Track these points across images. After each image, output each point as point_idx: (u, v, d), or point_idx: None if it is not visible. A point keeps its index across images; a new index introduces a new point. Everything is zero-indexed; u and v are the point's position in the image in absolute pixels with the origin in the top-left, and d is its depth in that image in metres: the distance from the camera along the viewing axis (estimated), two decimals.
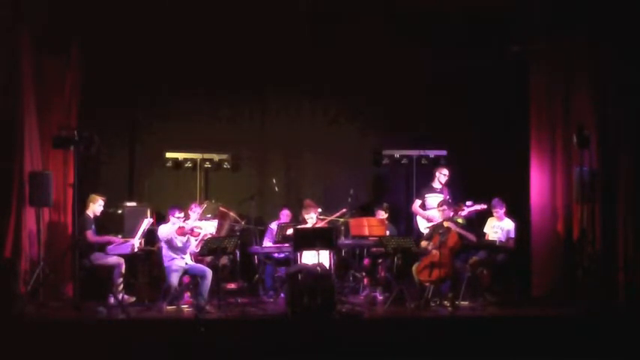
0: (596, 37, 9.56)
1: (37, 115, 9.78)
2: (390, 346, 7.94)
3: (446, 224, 9.58)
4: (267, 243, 10.52)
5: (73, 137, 9.15)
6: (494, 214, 9.94)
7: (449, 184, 10.59)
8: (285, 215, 10.71)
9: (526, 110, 10.34)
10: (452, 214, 9.66)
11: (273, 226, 10.64)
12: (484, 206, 9.91)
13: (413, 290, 9.48)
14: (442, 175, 10.53)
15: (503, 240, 9.79)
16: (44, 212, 9.58)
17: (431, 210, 10.36)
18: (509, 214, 9.97)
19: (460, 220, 9.79)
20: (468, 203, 9.96)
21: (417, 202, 10.61)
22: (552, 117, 10.05)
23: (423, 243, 9.77)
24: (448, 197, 10.21)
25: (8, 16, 9.38)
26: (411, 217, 10.92)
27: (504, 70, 10.85)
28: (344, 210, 10.54)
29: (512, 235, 9.87)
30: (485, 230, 9.98)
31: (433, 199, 10.38)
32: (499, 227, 9.91)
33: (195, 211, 9.82)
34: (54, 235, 9.82)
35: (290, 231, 9.93)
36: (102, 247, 9.68)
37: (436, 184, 10.58)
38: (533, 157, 10.16)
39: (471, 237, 9.66)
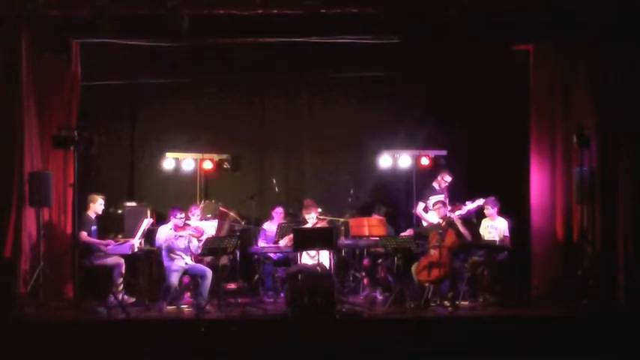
0: (596, 37, 9.55)
1: (37, 115, 9.78)
2: (390, 346, 7.94)
3: (442, 222, 9.56)
4: (261, 244, 10.47)
5: (73, 137, 9.19)
6: (486, 212, 9.90)
7: (450, 187, 10.56)
8: (279, 213, 10.65)
9: (526, 110, 10.33)
10: (448, 211, 9.61)
11: (266, 226, 10.61)
12: (482, 200, 9.88)
13: (413, 290, 9.48)
14: (443, 182, 10.50)
15: (498, 240, 9.78)
16: (44, 212, 9.56)
17: (432, 212, 10.34)
18: (502, 212, 9.94)
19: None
20: (468, 203, 9.96)
21: (421, 206, 10.56)
22: (552, 117, 10.03)
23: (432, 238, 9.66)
24: (446, 198, 10.19)
25: (8, 16, 9.38)
26: (410, 217, 10.91)
27: (504, 70, 10.84)
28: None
29: (507, 233, 9.84)
30: (480, 232, 9.96)
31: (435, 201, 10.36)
32: (492, 227, 9.88)
33: (195, 213, 9.83)
34: (54, 235, 9.81)
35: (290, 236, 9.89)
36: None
37: (436, 185, 10.56)
38: (533, 157, 10.13)
39: (467, 235, 9.62)
